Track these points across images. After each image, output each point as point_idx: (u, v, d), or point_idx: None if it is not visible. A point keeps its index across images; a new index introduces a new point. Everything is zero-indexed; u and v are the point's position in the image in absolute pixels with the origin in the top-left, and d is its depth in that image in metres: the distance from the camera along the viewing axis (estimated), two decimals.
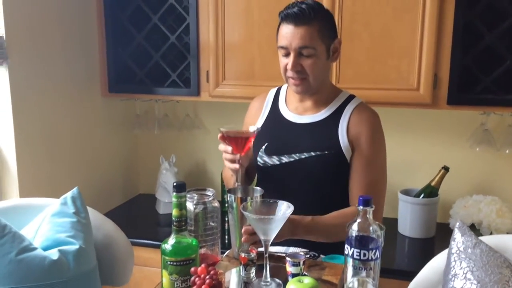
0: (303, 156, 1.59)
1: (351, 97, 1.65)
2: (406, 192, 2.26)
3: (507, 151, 2.16)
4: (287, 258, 1.24)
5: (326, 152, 1.57)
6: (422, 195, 2.21)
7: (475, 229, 1.97)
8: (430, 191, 2.21)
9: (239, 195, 1.39)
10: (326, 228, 1.51)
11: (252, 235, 1.34)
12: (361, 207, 1.17)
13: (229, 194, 1.38)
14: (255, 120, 1.73)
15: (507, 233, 1.96)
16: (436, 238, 2.22)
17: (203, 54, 2.26)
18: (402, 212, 2.25)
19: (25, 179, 2.00)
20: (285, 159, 1.61)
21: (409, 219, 2.22)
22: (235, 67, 2.21)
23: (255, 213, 1.20)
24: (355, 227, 1.18)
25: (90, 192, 2.38)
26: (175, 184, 1.21)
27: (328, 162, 1.57)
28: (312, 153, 1.58)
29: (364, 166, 1.56)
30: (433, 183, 2.21)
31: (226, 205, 1.48)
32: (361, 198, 1.17)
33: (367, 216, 1.17)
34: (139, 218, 2.57)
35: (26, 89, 1.99)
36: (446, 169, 2.18)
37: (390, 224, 2.28)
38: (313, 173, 1.57)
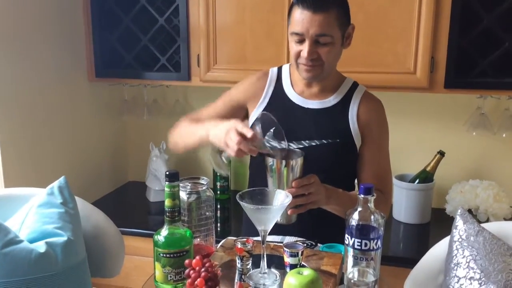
0: (313, 144, 1.53)
1: (355, 84, 1.61)
2: (401, 178, 2.23)
3: (504, 135, 2.13)
4: (285, 249, 1.20)
5: (338, 140, 1.53)
6: (417, 180, 2.18)
7: (472, 215, 1.93)
8: (426, 176, 2.18)
9: (279, 157, 1.30)
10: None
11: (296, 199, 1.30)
12: (362, 196, 1.13)
13: (268, 159, 1.28)
14: (254, 95, 1.62)
15: (504, 218, 1.94)
16: (432, 224, 2.20)
17: (193, 37, 2.19)
18: (397, 198, 2.22)
19: (9, 168, 1.93)
20: (293, 145, 1.53)
21: (404, 205, 2.19)
22: (226, 50, 2.15)
23: (251, 203, 1.15)
24: (355, 216, 1.14)
25: (78, 180, 2.32)
26: (167, 173, 1.16)
27: (339, 150, 1.53)
28: (324, 141, 1.53)
29: (375, 154, 1.56)
30: (428, 168, 2.18)
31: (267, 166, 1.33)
32: (362, 186, 1.13)
33: (368, 204, 1.13)
34: (129, 206, 2.52)
35: (8, 75, 1.91)
36: (441, 154, 2.15)
37: None
38: (323, 161, 1.51)
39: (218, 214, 2.36)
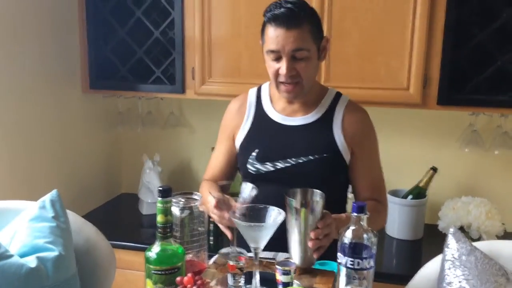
0: (300, 161, 1.53)
1: (338, 95, 1.61)
2: (394, 193, 2.23)
3: (496, 152, 2.14)
4: (277, 266, 1.19)
5: (325, 154, 1.52)
6: (410, 196, 2.19)
7: (464, 232, 1.94)
8: (418, 192, 2.18)
9: (300, 199, 1.28)
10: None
11: (321, 239, 1.27)
12: (355, 214, 1.13)
13: (288, 198, 1.26)
14: (237, 123, 1.64)
15: (497, 235, 1.94)
16: (424, 240, 2.20)
17: (188, 50, 2.20)
18: (390, 213, 2.16)
19: (0, 180, 1.91)
20: (280, 164, 1.54)
21: (397, 221, 2.19)
22: (221, 64, 2.15)
23: (244, 220, 1.15)
24: (348, 234, 1.14)
25: (70, 191, 2.31)
26: (160, 188, 1.16)
27: (327, 164, 1.52)
28: (310, 157, 1.52)
29: (367, 165, 1.56)
30: (421, 184, 2.18)
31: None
32: (354, 204, 1.13)
33: (361, 223, 1.13)
34: (121, 219, 2.50)
35: (2, 85, 1.90)
36: (434, 169, 2.16)
37: None
38: (311, 177, 1.51)
39: (211, 228, 2.35)
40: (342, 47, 1.99)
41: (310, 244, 1.27)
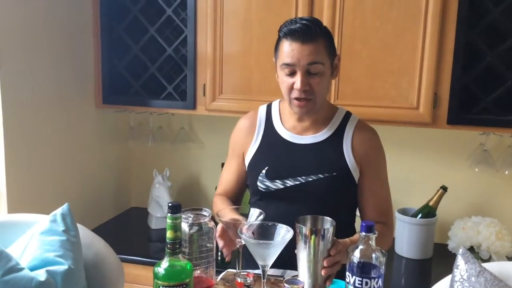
0: (310, 179, 1.53)
1: (348, 114, 1.62)
2: (404, 212, 2.23)
3: (506, 172, 2.13)
4: (285, 285, 1.19)
5: (335, 173, 1.52)
6: (419, 215, 2.17)
7: (474, 252, 1.93)
8: (428, 211, 2.17)
9: (310, 226, 1.27)
10: None
11: (333, 266, 1.27)
12: (364, 233, 1.13)
13: (298, 225, 1.25)
14: (246, 141, 1.64)
15: (507, 256, 1.92)
16: (434, 259, 2.18)
17: (200, 67, 2.22)
18: (399, 232, 2.21)
19: (13, 193, 1.94)
20: (290, 182, 1.54)
21: (406, 240, 2.18)
22: (232, 80, 2.18)
23: (253, 237, 1.15)
24: (357, 253, 1.14)
25: (81, 204, 2.33)
26: (170, 204, 1.17)
27: (337, 183, 1.53)
28: (320, 175, 1.52)
29: (375, 186, 1.56)
30: (431, 203, 2.17)
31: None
32: (363, 224, 1.13)
33: (370, 242, 1.13)
34: (130, 233, 2.51)
35: (17, 100, 1.94)
36: (444, 189, 2.15)
37: None
38: (321, 196, 1.52)
39: (215, 244, 2.34)
40: (352, 66, 2.01)
41: (323, 272, 1.26)
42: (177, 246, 1.18)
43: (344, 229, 1.51)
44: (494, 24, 1.93)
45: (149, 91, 2.38)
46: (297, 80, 1.45)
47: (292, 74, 1.46)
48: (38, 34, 2.03)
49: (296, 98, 1.48)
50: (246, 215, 1.39)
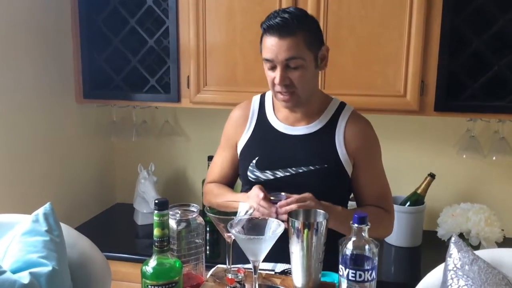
0: (300, 171, 1.52)
1: (342, 105, 1.59)
2: (392, 200, 2.21)
3: (494, 158, 2.14)
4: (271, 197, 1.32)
5: (326, 165, 1.51)
6: (408, 203, 2.17)
7: (463, 239, 1.93)
8: (416, 199, 2.17)
9: (302, 219, 1.24)
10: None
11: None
12: (356, 225, 1.11)
13: (291, 219, 1.22)
14: (239, 131, 1.64)
15: (496, 242, 1.92)
16: (423, 247, 2.19)
17: (183, 59, 2.18)
18: None
19: None
20: (280, 173, 1.53)
21: (395, 228, 2.11)
22: (217, 72, 2.13)
23: (243, 232, 1.12)
24: (349, 245, 1.11)
25: (64, 202, 2.28)
26: (156, 201, 1.13)
27: (328, 175, 1.51)
28: (311, 167, 1.51)
29: (373, 176, 1.55)
30: (419, 191, 2.17)
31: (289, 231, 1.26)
32: (355, 215, 1.11)
33: (362, 234, 1.11)
34: (116, 229, 2.47)
35: None
36: (432, 176, 2.14)
37: None
38: (312, 188, 1.49)
39: (208, 237, 2.32)
40: (338, 54, 1.97)
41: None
42: (165, 243, 1.14)
43: None
44: (480, 9, 1.91)
45: (131, 85, 2.32)
46: (277, 75, 1.44)
47: (273, 68, 1.46)
48: (14, 28, 1.96)
49: (279, 92, 1.47)
50: None
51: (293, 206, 1.35)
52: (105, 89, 2.33)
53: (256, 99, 1.66)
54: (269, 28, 1.42)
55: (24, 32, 2.01)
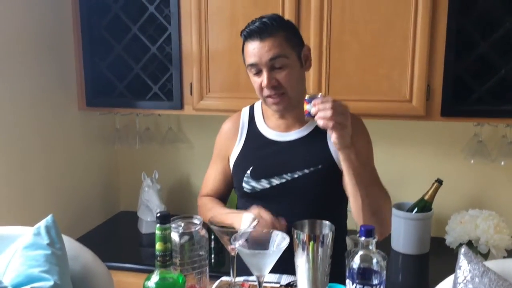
0: (296, 175, 1.50)
1: None
2: (399, 207, 2.18)
3: (502, 163, 2.10)
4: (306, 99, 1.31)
5: (320, 166, 1.49)
6: (415, 210, 2.14)
7: (472, 246, 1.89)
8: (424, 205, 2.13)
9: (308, 231, 1.20)
10: (367, 173, 1.41)
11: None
12: (363, 238, 1.08)
13: (296, 231, 1.18)
14: (230, 143, 1.63)
15: (506, 249, 1.89)
16: (431, 254, 2.15)
17: (186, 65, 2.15)
18: (395, 228, 2.16)
19: None
20: (276, 181, 1.52)
21: (402, 235, 2.14)
22: (219, 78, 2.11)
23: (247, 246, 1.10)
24: (357, 259, 1.08)
25: (68, 211, 2.26)
26: (158, 214, 1.11)
27: (322, 176, 1.49)
28: (306, 170, 1.50)
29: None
30: (426, 197, 2.13)
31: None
32: (362, 228, 1.08)
33: (370, 247, 1.08)
34: (120, 238, 2.45)
35: None
36: (439, 182, 2.11)
37: (383, 240, 2.20)
38: (308, 191, 1.49)
39: (213, 246, 2.29)
40: (343, 59, 1.95)
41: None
42: (168, 258, 1.12)
43: (332, 221, 1.44)
44: (486, 12, 1.88)
45: (134, 92, 2.30)
46: (263, 77, 1.43)
47: (258, 73, 1.45)
48: (16, 36, 1.95)
49: (269, 96, 1.46)
50: None
51: (328, 105, 1.27)
52: (107, 96, 2.31)
53: (245, 110, 1.66)
54: (249, 33, 1.44)
55: (26, 40, 2.00)
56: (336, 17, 1.94)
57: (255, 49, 1.42)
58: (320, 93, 1.33)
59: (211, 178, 1.71)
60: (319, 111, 1.27)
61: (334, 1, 1.93)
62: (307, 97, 1.31)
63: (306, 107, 1.31)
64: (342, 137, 1.30)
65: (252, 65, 1.45)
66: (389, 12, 1.89)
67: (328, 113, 1.26)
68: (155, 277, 1.11)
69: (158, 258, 1.11)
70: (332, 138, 1.31)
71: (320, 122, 1.28)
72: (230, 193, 1.73)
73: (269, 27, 1.42)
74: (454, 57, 1.90)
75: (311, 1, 1.94)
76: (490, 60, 1.91)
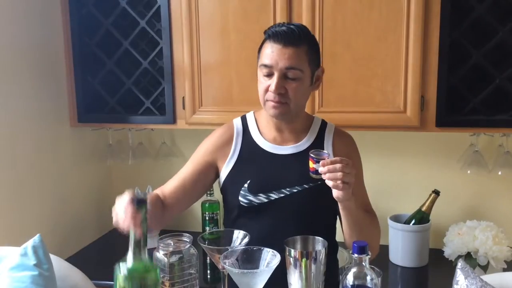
0: (294, 190, 1.47)
1: (324, 122, 1.60)
2: (396, 219, 2.15)
3: (500, 173, 2.07)
4: (311, 154, 1.30)
5: (319, 182, 1.46)
6: (413, 221, 2.10)
7: (471, 258, 1.86)
8: (421, 217, 2.10)
9: (300, 248, 1.18)
10: (361, 215, 1.45)
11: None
12: (356, 255, 1.05)
13: (288, 248, 1.15)
14: (222, 154, 1.54)
15: (505, 260, 1.85)
16: (430, 266, 2.11)
17: (178, 79, 2.14)
18: (393, 240, 2.14)
19: None
20: (274, 195, 1.48)
21: (400, 247, 2.11)
22: (212, 92, 2.09)
23: (237, 265, 1.07)
24: (350, 277, 1.05)
25: (61, 228, 2.22)
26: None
27: (322, 193, 1.44)
28: (305, 186, 1.47)
29: (357, 188, 1.47)
30: (423, 208, 2.10)
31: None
32: (355, 244, 1.05)
33: (363, 264, 1.05)
34: (113, 256, 2.37)
35: None
36: (436, 193, 2.08)
37: (381, 252, 2.14)
38: (306, 206, 1.47)
39: (208, 261, 2.26)
40: (335, 71, 1.93)
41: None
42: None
43: (327, 237, 1.38)
44: (478, 22, 1.87)
45: (126, 107, 2.28)
46: (273, 82, 1.40)
47: (269, 75, 1.42)
48: (7, 52, 1.93)
49: (270, 100, 1.44)
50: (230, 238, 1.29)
51: (337, 166, 1.27)
52: (99, 112, 2.29)
53: (237, 122, 1.60)
54: (274, 34, 1.40)
55: (17, 57, 1.98)
56: (328, 28, 1.92)
57: (274, 52, 1.40)
58: (325, 151, 1.34)
59: (177, 178, 1.56)
60: (329, 173, 1.27)
61: (325, 13, 1.92)
62: (313, 154, 1.30)
63: (313, 165, 1.29)
64: (347, 194, 1.31)
65: (266, 65, 1.42)
66: (381, 23, 1.88)
67: (338, 175, 1.27)
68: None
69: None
70: (335, 194, 1.31)
71: (330, 183, 1.29)
72: (189, 206, 1.59)
73: (296, 36, 1.39)
74: (447, 67, 1.88)
75: (302, 13, 1.93)
76: (484, 70, 1.89)
